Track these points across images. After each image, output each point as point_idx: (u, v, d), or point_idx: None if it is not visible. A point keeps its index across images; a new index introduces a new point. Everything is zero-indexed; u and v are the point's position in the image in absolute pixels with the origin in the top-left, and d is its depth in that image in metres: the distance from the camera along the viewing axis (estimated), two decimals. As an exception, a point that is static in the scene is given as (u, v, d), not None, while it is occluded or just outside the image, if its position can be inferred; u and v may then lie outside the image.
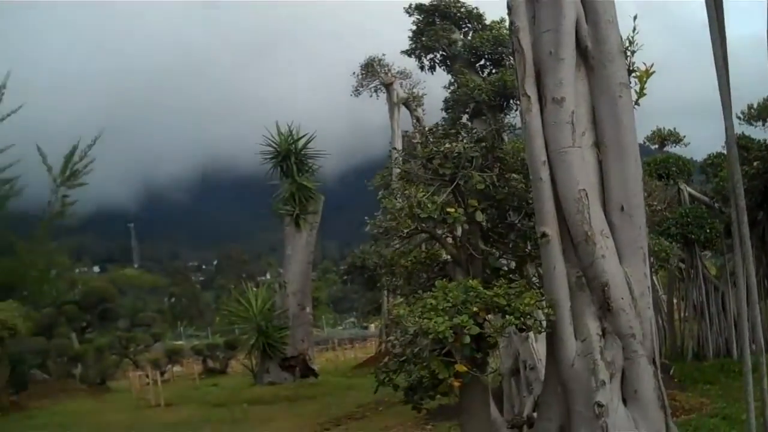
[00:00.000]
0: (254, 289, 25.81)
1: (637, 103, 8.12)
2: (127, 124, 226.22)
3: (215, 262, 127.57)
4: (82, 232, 45.18)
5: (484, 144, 8.87)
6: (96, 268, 75.51)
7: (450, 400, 8.47)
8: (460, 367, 7.36)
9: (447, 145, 8.63)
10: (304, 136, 25.85)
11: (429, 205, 8.21)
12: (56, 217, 41.04)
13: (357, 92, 37.79)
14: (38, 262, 40.13)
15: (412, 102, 38.04)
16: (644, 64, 8.23)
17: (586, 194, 7.53)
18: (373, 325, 59.19)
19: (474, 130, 9.88)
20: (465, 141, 8.83)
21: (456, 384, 7.43)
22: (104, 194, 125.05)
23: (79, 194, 41.94)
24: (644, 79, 8.22)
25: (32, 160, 40.86)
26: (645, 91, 8.24)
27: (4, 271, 38.31)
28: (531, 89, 7.76)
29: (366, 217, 9.45)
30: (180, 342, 48.52)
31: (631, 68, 8.10)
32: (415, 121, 36.69)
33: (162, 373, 25.73)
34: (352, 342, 54.06)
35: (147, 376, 24.47)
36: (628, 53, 8.05)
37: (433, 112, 32.30)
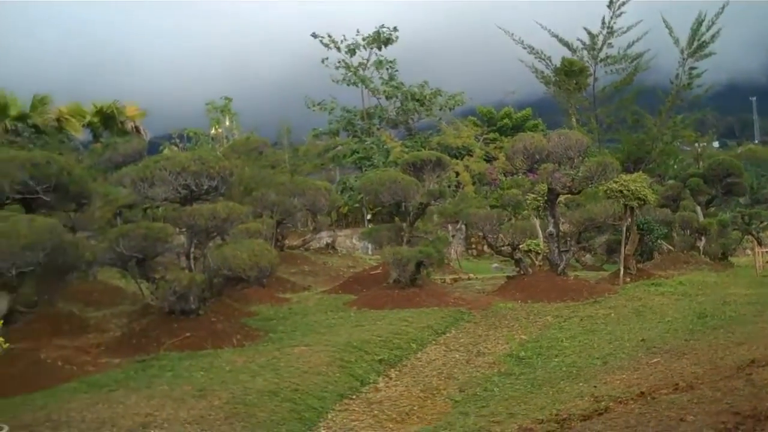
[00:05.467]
0: None
1: None
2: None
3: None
4: (705, 105, 43.95)
5: None
6: (715, 143, 73.23)
7: None
8: None
9: None
10: None
11: None
12: (683, 90, 40.55)
13: None
14: (664, 135, 40.45)
15: None
16: None
17: None
18: None
19: None
20: None
21: None
22: (732, 66, 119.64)
23: (706, 65, 40.70)
24: None
25: (662, 32, 40.75)
26: None
27: (634, 143, 39.62)
28: None
29: None
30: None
31: None
32: None
33: (788, 252, 23.74)
34: None
35: (769, 254, 22.88)
36: None
37: None
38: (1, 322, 7.16)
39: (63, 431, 7.02)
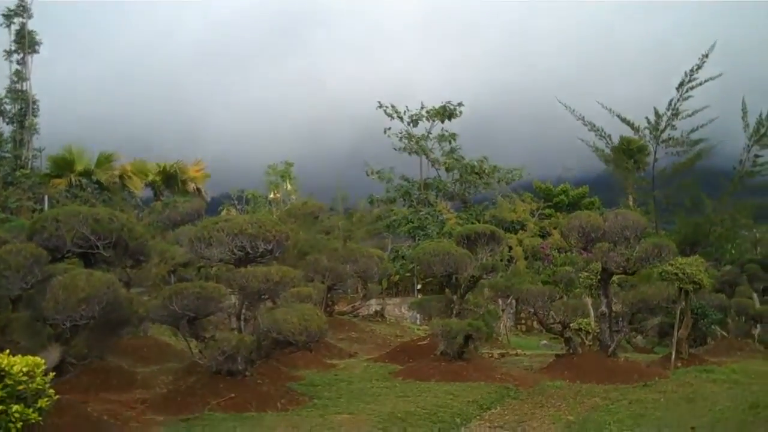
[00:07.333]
0: None
1: None
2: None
3: None
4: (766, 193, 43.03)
5: None
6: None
7: None
8: None
9: None
10: None
11: None
12: (746, 176, 39.90)
13: None
14: (723, 220, 39.71)
15: None
16: None
17: None
18: None
19: None
20: None
21: None
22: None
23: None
24: None
25: (728, 118, 40.39)
26: None
27: (691, 226, 38.95)
28: None
29: None
30: None
31: None
32: None
33: None
34: None
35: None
36: None
37: None
38: (53, 374, 7.30)
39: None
